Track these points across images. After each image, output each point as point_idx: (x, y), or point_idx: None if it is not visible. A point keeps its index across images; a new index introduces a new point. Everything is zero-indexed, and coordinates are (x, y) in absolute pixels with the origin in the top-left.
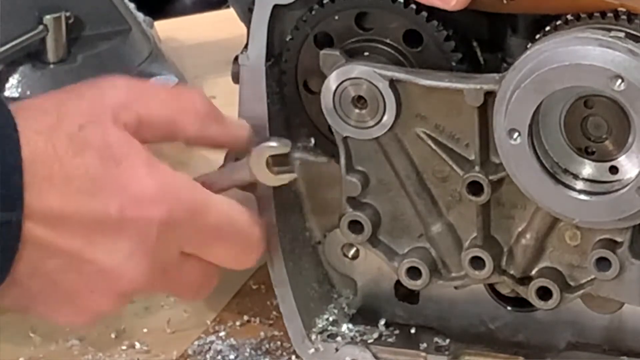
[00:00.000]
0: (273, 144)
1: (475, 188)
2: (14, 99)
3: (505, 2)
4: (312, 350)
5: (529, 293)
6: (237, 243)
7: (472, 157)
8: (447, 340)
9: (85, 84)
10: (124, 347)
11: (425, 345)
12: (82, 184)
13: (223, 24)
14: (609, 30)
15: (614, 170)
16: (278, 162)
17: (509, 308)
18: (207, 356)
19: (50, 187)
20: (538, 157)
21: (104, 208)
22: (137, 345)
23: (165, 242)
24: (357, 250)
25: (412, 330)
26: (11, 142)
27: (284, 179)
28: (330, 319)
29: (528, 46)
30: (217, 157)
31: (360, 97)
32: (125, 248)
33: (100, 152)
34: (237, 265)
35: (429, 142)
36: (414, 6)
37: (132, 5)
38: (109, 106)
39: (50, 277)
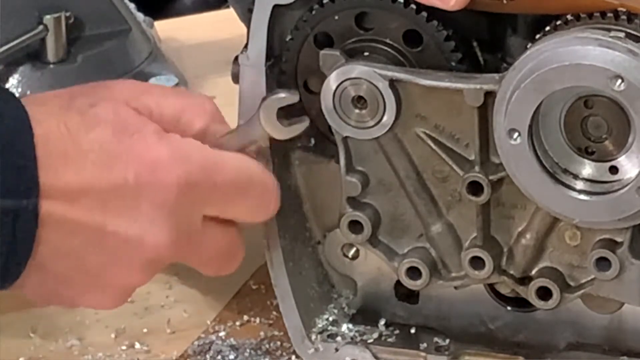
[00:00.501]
0: (282, 95)
1: (475, 188)
2: None
3: (505, 2)
4: (312, 350)
5: (529, 293)
6: (255, 195)
7: (472, 157)
8: (447, 340)
9: (93, 83)
10: (123, 347)
11: (425, 345)
12: (97, 157)
13: (223, 24)
14: (609, 30)
15: (614, 170)
16: (288, 113)
17: (509, 308)
18: (207, 356)
19: (66, 163)
20: (538, 157)
21: (121, 177)
22: (137, 345)
23: (185, 205)
24: (357, 250)
25: (412, 330)
26: (25, 134)
27: (297, 129)
28: (330, 319)
29: (528, 46)
30: None
31: (360, 97)
32: (146, 214)
33: (112, 125)
34: (257, 218)
35: (429, 142)
36: (414, 6)
37: (132, 5)
38: (120, 95)
39: (74, 255)
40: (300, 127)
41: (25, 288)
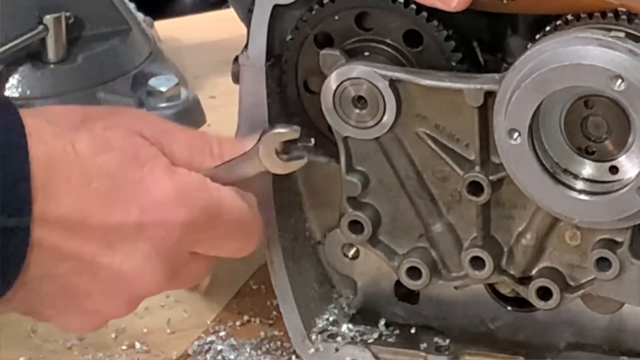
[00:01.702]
0: (282, 130)
1: (475, 188)
2: (14, 99)
3: (505, 2)
4: (312, 350)
5: (529, 293)
6: (244, 236)
7: (472, 157)
8: (447, 340)
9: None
10: (124, 347)
11: (425, 345)
12: (102, 186)
13: (223, 24)
14: (609, 30)
15: (614, 170)
16: (287, 148)
17: (509, 308)
18: (207, 356)
19: (68, 189)
20: (538, 157)
21: (124, 212)
22: (137, 345)
23: (182, 244)
24: (357, 250)
25: (412, 330)
26: (18, 149)
27: (295, 165)
28: (330, 319)
29: (528, 46)
30: None
31: (360, 97)
32: (144, 252)
33: (122, 153)
34: (238, 255)
35: (429, 142)
36: (414, 6)
37: (132, 5)
38: (134, 123)
39: (62, 280)
40: (299, 163)
41: (7, 300)
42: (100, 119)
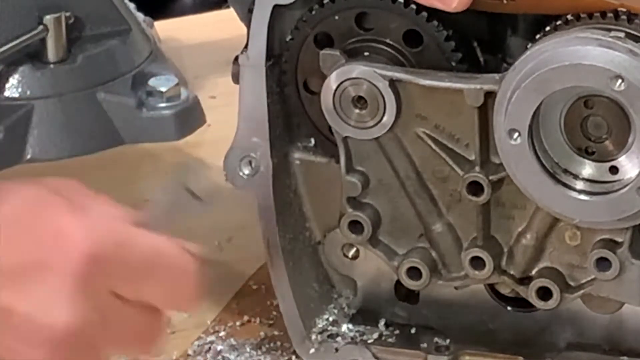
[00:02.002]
0: None
1: (475, 188)
2: (14, 99)
3: (505, 2)
4: (312, 350)
5: (529, 293)
6: (169, 277)
7: (472, 157)
8: (447, 340)
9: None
10: None
11: (425, 345)
12: (6, 231)
13: (223, 24)
14: (609, 30)
15: (614, 170)
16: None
17: (509, 308)
18: (207, 356)
19: None
20: (538, 157)
21: (28, 250)
22: None
23: (92, 280)
24: (357, 250)
25: (412, 330)
26: None
27: None
28: (330, 319)
29: (528, 46)
30: (215, 161)
31: (360, 97)
32: (51, 290)
33: (26, 199)
34: (173, 305)
35: (429, 142)
36: (414, 6)
37: (132, 5)
38: (52, 184)
39: None
40: None
41: None
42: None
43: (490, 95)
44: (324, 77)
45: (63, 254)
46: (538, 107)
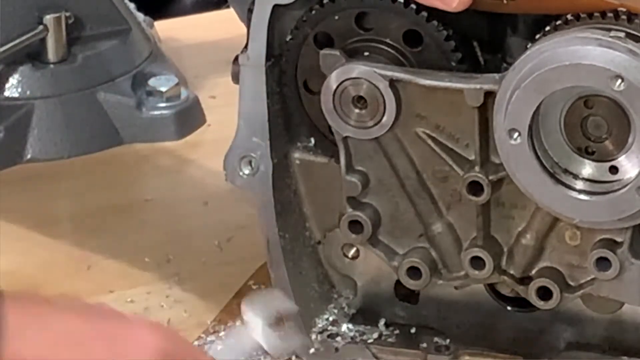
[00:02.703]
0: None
1: (475, 188)
2: (14, 99)
3: (505, 2)
4: (312, 350)
5: (529, 293)
6: None
7: (472, 157)
8: (447, 340)
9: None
10: None
11: (425, 345)
12: (69, 340)
13: (223, 24)
14: (609, 30)
15: (613, 170)
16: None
17: (509, 308)
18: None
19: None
20: (538, 157)
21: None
22: None
23: None
24: (357, 250)
25: (412, 330)
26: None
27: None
28: (330, 319)
29: (528, 46)
30: (215, 161)
31: (360, 97)
32: None
33: (81, 311)
34: None
35: (429, 142)
36: (414, 6)
37: (132, 5)
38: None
39: None
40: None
41: None
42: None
43: (490, 95)
44: (324, 77)
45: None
46: (538, 107)
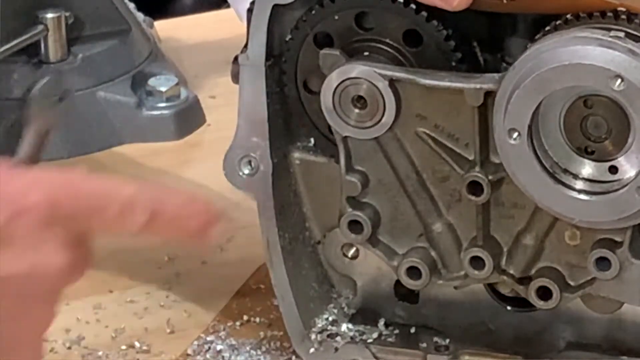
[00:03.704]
0: None
1: (475, 188)
2: (13, 99)
3: (505, 1)
4: (312, 350)
5: (529, 293)
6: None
7: (471, 157)
8: (447, 340)
9: None
10: (123, 347)
11: (425, 345)
12: None
13: (223, 24)
14: (609, 30)
15: (613, 170)
16: None
17: (509, 308)
18: (207, 356)
19: None
20: (538, 157)
21: None
22: (137, 345)
23: (59, 222)
24: (357, 250)
25: (412, 330)
26: None
27: None
28: (330, 318)
29: (528, 46)
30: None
31: (360, 97)
32: (32, 244)
33: None
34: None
35: (429, 141)
36: (413, 6)
37: (132, 5)
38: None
39: None
40: None
41: None
42: None
43: (490, 95)
44: (323, 77)
45: (28, 210)
46: (538, 107)
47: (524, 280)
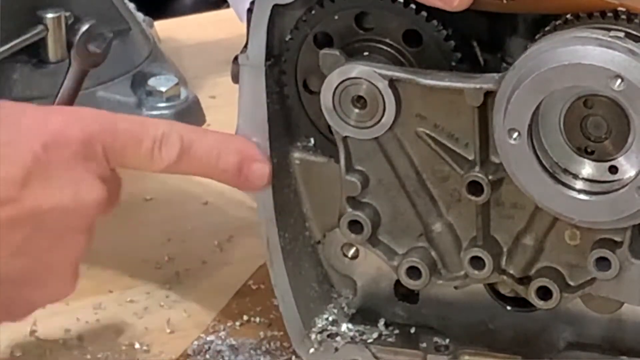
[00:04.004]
0: None
1: (475, 188)
2: (13, 99)
3: (505, 1)
4: (312, 350)
5: (529, 293)
6: (151, 140)
7: (471, 157)
8: (447, 340)
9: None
10: (123, 347)
11: (425, 345)
12: None
13: (223, 24)
14: (609, 30)
15: (613, 170)
16: None
17: (508, 308)
18: (207, 356)
19: None
20: (538, 157)
21: (30, 154)
22: (137, 345)
23: (95, 157)
24: (357, 250)
25: (412, 330)
26: None
27: None
28: (330, 318)
29: (528, 46)
30: None
31: (360, 97)
32: (70, 177)
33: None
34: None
35: (429, 141)
36: (413, 6)
37: (132, 5)
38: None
39: (23, 251)
40: None
41: None
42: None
43: (490, 95)
44: (323, 77)
45: (65, 145)
46: (537, 107)
47: (524, 280)
